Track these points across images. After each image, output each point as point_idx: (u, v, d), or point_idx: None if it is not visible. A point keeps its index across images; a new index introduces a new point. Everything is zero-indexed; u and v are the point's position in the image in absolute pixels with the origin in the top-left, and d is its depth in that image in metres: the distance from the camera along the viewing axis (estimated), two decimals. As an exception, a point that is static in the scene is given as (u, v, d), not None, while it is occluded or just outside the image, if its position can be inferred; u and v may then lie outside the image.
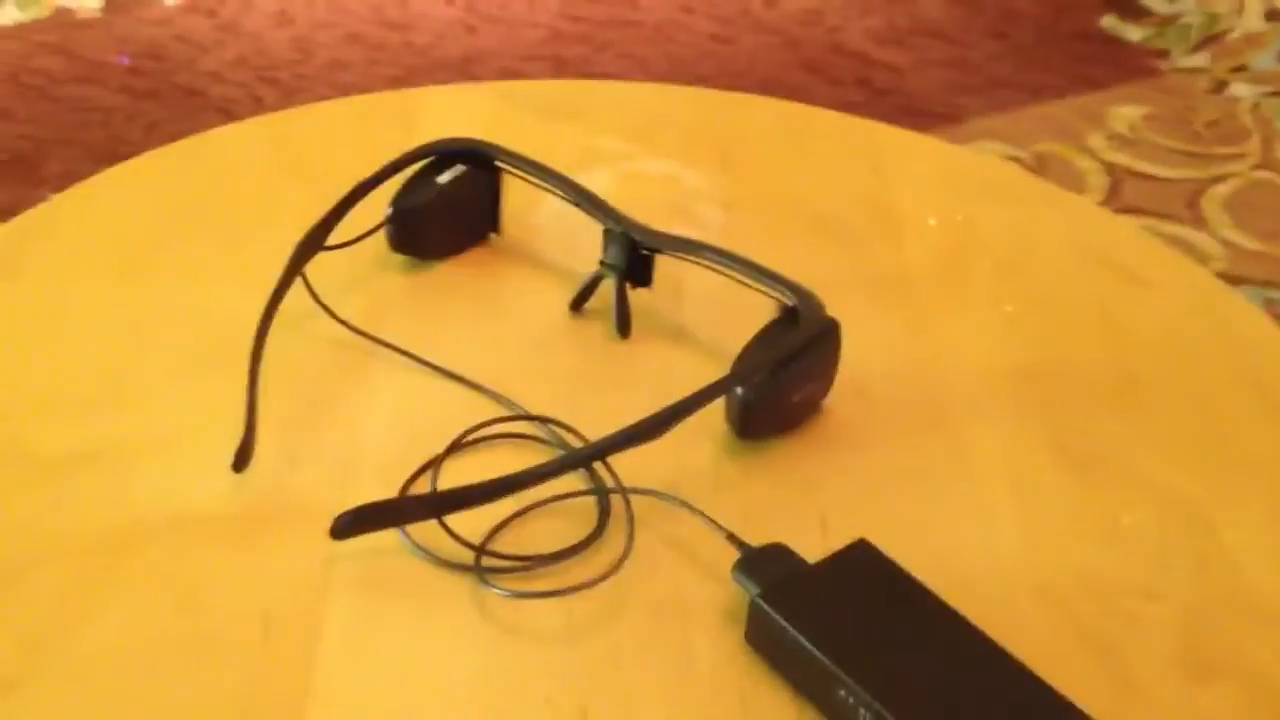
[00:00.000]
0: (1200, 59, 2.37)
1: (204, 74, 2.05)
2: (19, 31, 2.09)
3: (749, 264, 0.67)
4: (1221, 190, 2.05)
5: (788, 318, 0.66)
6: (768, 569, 0.57)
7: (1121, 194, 2.02)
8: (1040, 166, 2.06)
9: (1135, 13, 2.47)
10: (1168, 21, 2.46)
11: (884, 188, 0.84)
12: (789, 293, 0.66)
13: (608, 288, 0.71)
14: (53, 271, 0.73)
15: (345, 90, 2.07)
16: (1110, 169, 2.08)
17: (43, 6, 2.14)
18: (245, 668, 0.54)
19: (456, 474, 0.63)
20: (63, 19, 2.14)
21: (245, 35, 2.15)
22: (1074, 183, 2.02)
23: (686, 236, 0.70)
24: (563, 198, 0.72)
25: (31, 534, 0.59)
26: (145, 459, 0.63)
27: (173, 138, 1.89)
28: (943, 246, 0.79)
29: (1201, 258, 1.89)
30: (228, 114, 1.97)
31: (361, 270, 0.74)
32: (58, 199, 0.80)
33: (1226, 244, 1.92)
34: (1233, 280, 1.83)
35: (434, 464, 0.63)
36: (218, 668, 0.54)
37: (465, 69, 2.15)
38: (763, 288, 0.67)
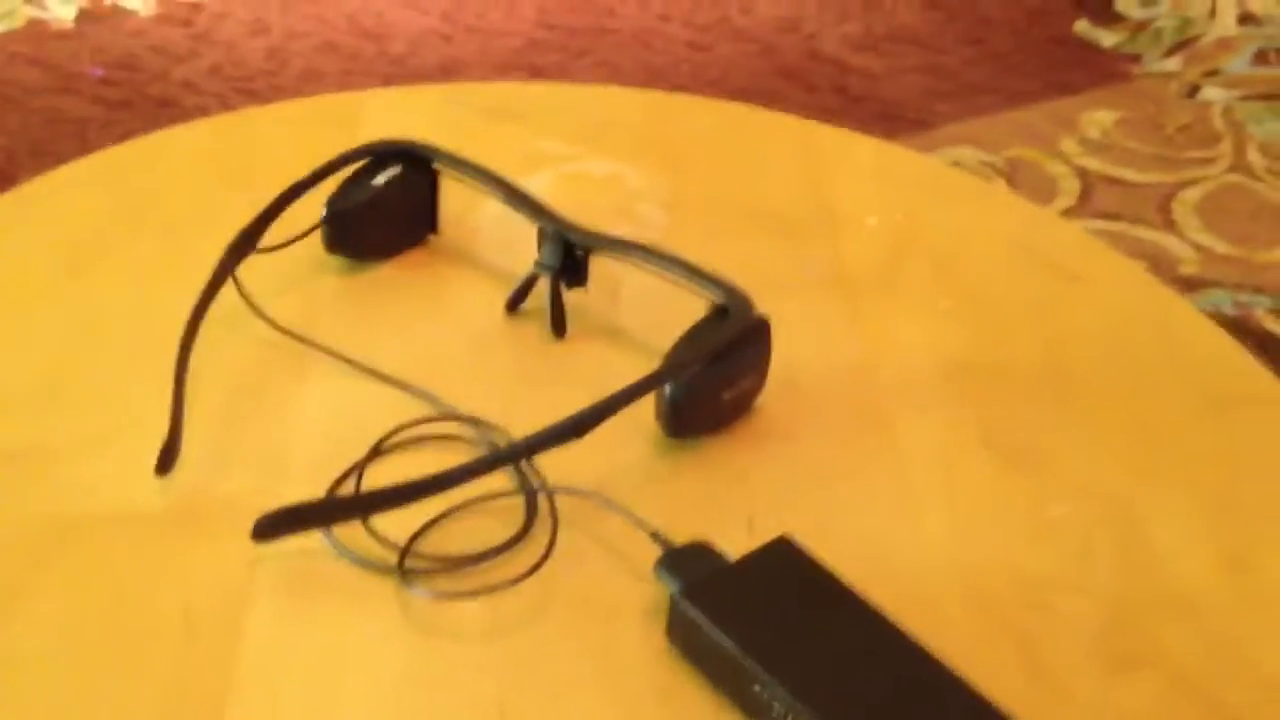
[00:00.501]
0: (1173, 63, 2.37)
1: (178, 84, 2.05)
2: (-9, 42, 2.09)
3: (680, 262, 0.68)
4: (1193, 194, 2.06)
5: (718, 316, 0.66)
6: (689, 566, 0.57)
7: (1093, 198, 2.03)
8: (1013, 171, 2.07)
9: (1108, 18, 2.48)
10: (1141, 27, 2.47)
11: (825, 188, 0.84)
12: (719, 291, 0.66)
13: (544, 288, 0.71)
14: (-8, 275, 0.74)
15: (320, 100, 2.07)
16: (1082, 173, 2.08)
17: (15, 18, 2.14)
18: (167, 666, 0.54)
19: (384, 475, 0.63)
20: (36, 30, 2.14)
21: (220, 45, 2.15)
22: (1046, 187, 2.02)
23: (620, 236, 0.70)
24: (499, 198, 0.72)
25: (-42, 534, 0.59)
26: (77, 457, 0.63)
27: (143, 147, 1.89)
28: (881, 245, 0.80)
29: (1173, 261, 1.89)
30: (200, 123, 1.97)
31: (298, 272, 0.74)
32: (7, 198, 0.80)
33: (1198, 247, 1.92)
34: (1203, 284, 1.83)
35: (360, 465, 0.63)
36: (140, 665, 0.54)
37: (442, 78, 2.16)
38: (694, 286, 0.67)
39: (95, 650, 0.54)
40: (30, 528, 0.59)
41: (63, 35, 2.16)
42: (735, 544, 0.60)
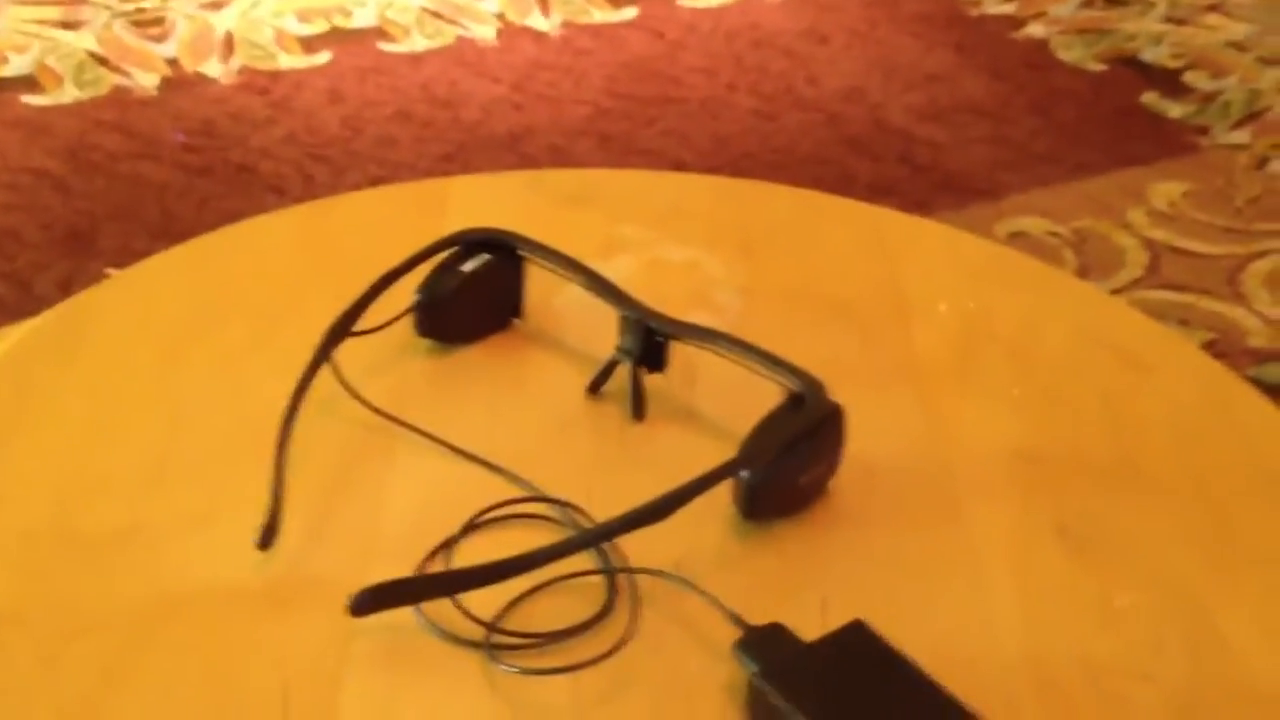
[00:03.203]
0: (1241, 135, 2.37)
1: (255, 151, 2.10)
2: (77, 109, 2.15)
3: (757, 351, 0.70)
4: (1262, 266, 2.05)
5: (793, 403, 0.68)
6: (767, 648, 0.59)
7: (1161, 269, 2.03)
8: (1080, 242, 2.07)
9: (1176, 90, 2.48)
10: (1209, 98, 2.47)
11: (895, 274, 0.86)
12: (794, 378, 0.68)
13: (624, 372, 0.74)
14: (100, 355, 0.77)
15: (394, 167, 2.11)
16: (1150, 245, 2.08)
17: (101, 85, 2.21)
18: (265, 738, 0.57)
19: (472, 553, 0.65)
20: (120, 97, 2.20)
21: (297, 113, 2.20)
22: (1113, 259, 2.02)
23: (698, 324, 0.73)
24: (582, 285, 0.75)
25: (74, 607, 0.62)
26: (179, 536, 0.66)
27: (223, 213, 1.94)
28: (951, 332, 0.82)
29: (1241, 333, 1.88)
30: (278, 190, 2.02)
31: (389, 354, 0.77)
32: (107, 284, 0.84)
33: (1267, 320, 1.92)
34: (1273, 356, 1.82)
35: (449, 543, 0.66)
36: (239, 738, 0.57)
37: (513, 145, 2.19)
38: (770, 374, 0.69)
39: (199, 720, 0.57)
40: (134, 605, 0.62)
41: (145, 102, 2.22)
42: (809, 625, 0.62)
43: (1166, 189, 2.19)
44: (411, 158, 2.12)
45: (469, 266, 0.77)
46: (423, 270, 0.77)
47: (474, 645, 0.61)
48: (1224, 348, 1.81)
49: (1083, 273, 1.93)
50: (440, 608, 0.62)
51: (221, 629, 0.61)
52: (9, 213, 1.91)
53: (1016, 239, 1.98)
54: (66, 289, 1.77)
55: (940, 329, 0.82)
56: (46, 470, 0.69)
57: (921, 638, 0.62)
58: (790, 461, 0.66)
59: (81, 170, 2.02)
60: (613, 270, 0.81)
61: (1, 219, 1.89)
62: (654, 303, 0.75)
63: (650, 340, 0.73)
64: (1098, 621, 0.64)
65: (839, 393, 0.70)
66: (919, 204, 2.06)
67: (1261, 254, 2.05)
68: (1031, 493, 0.71)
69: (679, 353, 0.75)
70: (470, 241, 0.77)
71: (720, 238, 0.89)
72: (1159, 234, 2.08)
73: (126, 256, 1.86)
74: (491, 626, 0.62)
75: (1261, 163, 2.29)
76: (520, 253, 0.77)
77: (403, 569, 0.64)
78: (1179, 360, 0.81)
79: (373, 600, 0.60)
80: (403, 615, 0.62)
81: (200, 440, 0.71)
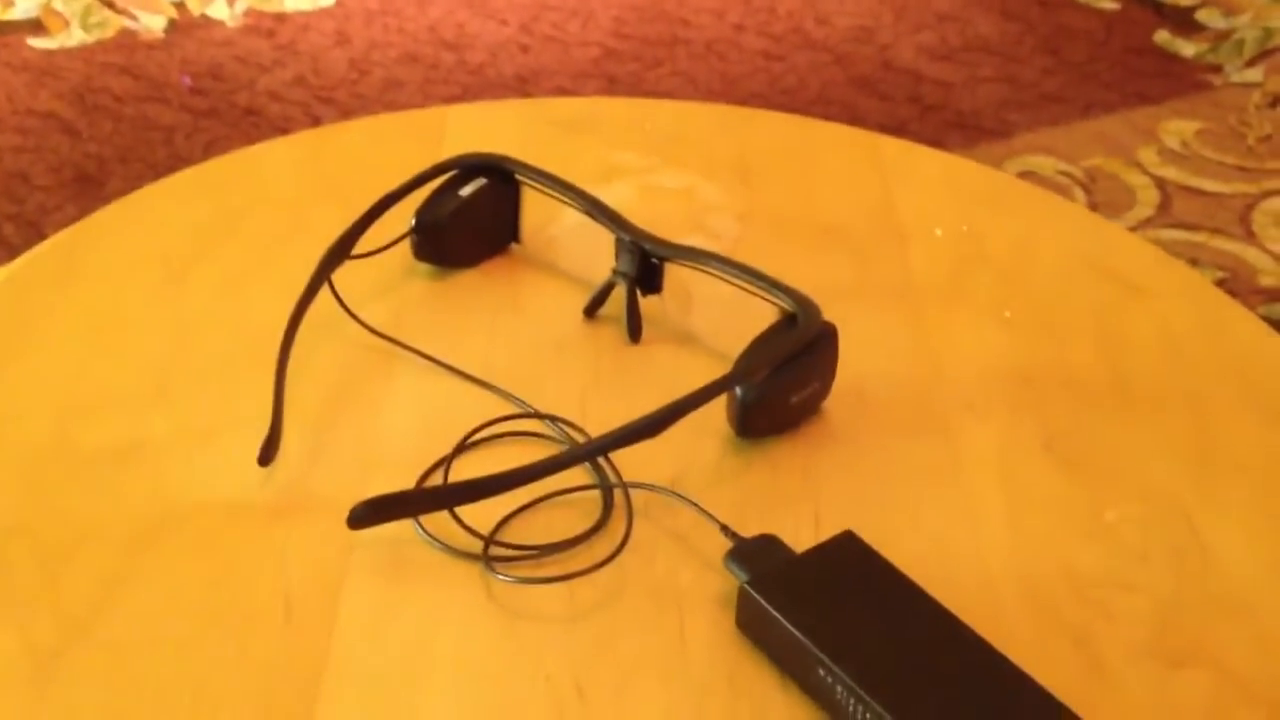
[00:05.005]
0: (1254, 73, 2.36)
1: (263, 93, 2.11)
2: (84, 52, 2.16)
3: (752, 271, 0.71)
4: (1274, 204, 2.05)
5: (787, 322, 0.69)
6: (758, 558, 0.60)
7: (1172, 208, 2.02)
8: (1091, 181, 2.07)
9: (1189, 28, 2.47)
10: (1222, 37, 2.46)
11: (891, 200, 0.87)
12: (788, 298, 0.69)
13: (620, 294, 0.75)
14: (102, 277, 0.78)
15: (401, 109, 2.11)
16: (1161, 183, 2.08)
17: (107, 28, 2.21)
18: (268, 645, 0.58)
19: (469, 468, 0.67)
20: (126, 40, 2.20)
21: (303, 55, 2.20)
22: (1125, 197, 2.02)
23: (693, 246, 0.73)
24: (579, 210, 0.76)
25: (77, 520, 0.63)
26: (182, 452, 0.67)
27: (231, 155, 1.94)
28: (946, 256, 0.82)
29: (1252, 272, 1.89)
30: (285, 132, 2.02)
31: (388, 278, 0.78)
32: (110, 209, 0.84)
33: (1278, 258, 1.92)
34: (1283, 295, 1.82)
35: (447, 459, 0.67)
36: (243, 644, 0.58)
37: (520, 87, 2.19)
38: (764, 294, 0.70)
39: (201, 629, 0.59)
40: (135, 517, 0.64)
41: (152, 45, 2.22)
42: (801, 538, 0.63)
43: (1178, 127, 2.19)
44: (419, 100, 2.12)
45: (466, 191, 0.77)
46: (421, 195, 0.78)
47: (471, 557, 0.62)
48: (1235, 286, 1.81)
49: (1093, 211, 1.92)
50: (438, 521, 0.64)
51: (223, 540, 0.62)
52: (17, 155, 1.92)
53: (1027, 178, 1.98)
54: (76, 231, 1.78)
55: (935, 253, 0.83)
56: (48, 388, 0.71)
57: (912, 548, 0.63)
58: (783, 378, 0.67)
59: (89, 113, 2.03)
60: (610, 195, 0.82)
61: (10, 161, 1.90)
62: (651, 227, 0.76)
63: (646, 263, 0.74)
64: (1084, 533, 0.65)
65: (834, 314, 0.71)
66: (929, 143, 2.05)
67: (1273, 192, 2.05)
68: (1021, 410, 0.71)
69: (675, 277, 0.75)
70: (468, 166, 0.78)
71: (717, 164, 0.90)
72: (1170, 173, 2.08)
73: (135, 199, 1.87)
74: (488, 539, 0.63)
75: (1274, 101, 2.28)
76: (518, 177, 0.78)
77: (401, 485, 0.65)
78: (1172, 283, 0.81)
79: (371, 513, 0.61)
80: (402, 528, 0.63)
81: (201, 359, 0.73)
